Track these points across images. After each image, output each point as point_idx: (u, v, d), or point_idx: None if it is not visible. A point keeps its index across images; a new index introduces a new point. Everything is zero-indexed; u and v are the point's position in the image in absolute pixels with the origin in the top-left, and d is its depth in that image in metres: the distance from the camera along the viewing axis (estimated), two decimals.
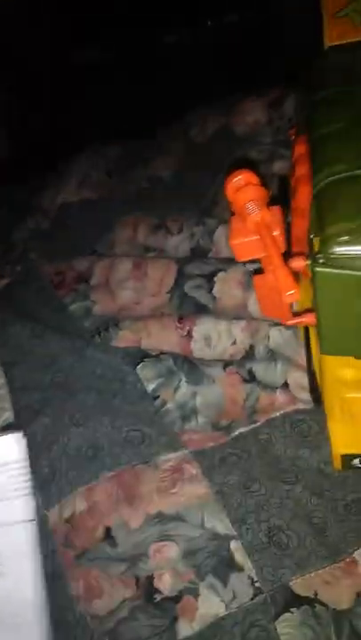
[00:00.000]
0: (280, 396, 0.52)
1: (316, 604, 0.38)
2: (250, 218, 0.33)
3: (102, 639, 0.41)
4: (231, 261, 0.61)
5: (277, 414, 0.50)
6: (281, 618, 0.38)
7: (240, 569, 0.40)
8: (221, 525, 0.43)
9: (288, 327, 0.52)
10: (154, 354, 0.58)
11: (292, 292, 0.30)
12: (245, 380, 0.54)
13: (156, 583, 0.41)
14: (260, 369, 0.54)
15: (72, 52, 1.14)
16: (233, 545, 0.42)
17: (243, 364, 0.55)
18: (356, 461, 0.44)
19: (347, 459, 0.44)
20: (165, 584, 0.41)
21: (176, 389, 0.54)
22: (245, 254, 0.34)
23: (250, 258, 0.34)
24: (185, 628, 0.40)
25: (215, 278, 0.63)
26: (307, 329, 0.47)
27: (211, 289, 0.63)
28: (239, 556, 0.41)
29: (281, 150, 0.73)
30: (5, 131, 1.11)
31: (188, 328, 0.59)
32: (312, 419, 0.49)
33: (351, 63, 0.43)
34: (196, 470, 0.46)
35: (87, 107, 1.10)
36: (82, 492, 0.46)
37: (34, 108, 1.11)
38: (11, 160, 1.04)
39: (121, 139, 0.91)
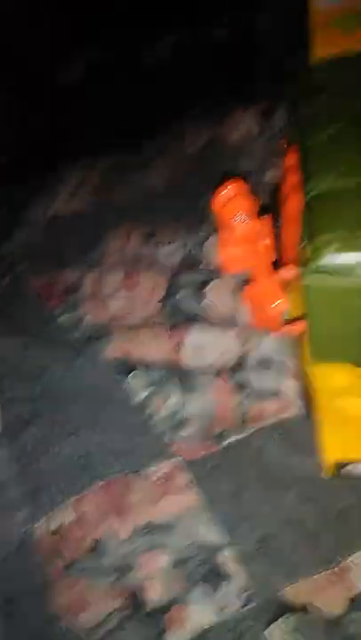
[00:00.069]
0: (271, 405, 0.52)
1: (308, 611, 0.38)
2: (239, 228, 0.33)
3: None
4: None
5: (269, 422, 0.50)
6: (273, 626, 0.38)
7: (231, 577, 0.40)
8: (212, 534, 0.43)
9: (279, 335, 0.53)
10: (145, 363, 0.58)
11: (279, 301, 0.30)
12: (236, 389, 0.54)
13: (146, 593, 0.41)
14: (251, 377, 0.54)
15: (72, 52, 1.14)
16: (224, 554, 0.41)
17: (233, 372, 0.55)
18: (347, 468, 0.44)
19: (338, 466, 0.44)
20: (155, 594, 0.40)
21: (167, 399, 0.54)
22: (234, 267, 0.35)
23: (238, 270, 0.35)
24: (175, 637, 0.39)
25: (207, 288, 0.64)
26: (299, 336, 0.48)
27: (202, 298, 0.64)
28: (230, 565, 0.41)
29: (272, 159, 0.74)
30: (5, 131, 1.11)
31: (179, 337, 0.59)
32: (303, 426, 0.49)
33: (339, 75, 0.44)
34: (187, 479, 0.46)
35: (87, 107, 1.10)
36: (72, 503, 0.46)
37: (34, 108, 1.11)
38: (11, 160, 1.04)
39: (121, 139, 0.92)
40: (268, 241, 0.33)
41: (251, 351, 0.57)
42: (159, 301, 0.65)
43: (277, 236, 0.45)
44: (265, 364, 0.55)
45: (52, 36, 1.09)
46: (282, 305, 0.30)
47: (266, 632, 0.38)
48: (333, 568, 0.40)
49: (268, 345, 0.56)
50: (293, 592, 0.39)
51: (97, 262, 0.73)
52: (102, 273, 0.70)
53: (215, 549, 0.42)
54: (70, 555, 0.44)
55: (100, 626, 0.41)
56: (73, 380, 0.58)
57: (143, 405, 0.54)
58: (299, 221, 0.37)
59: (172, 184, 0.82)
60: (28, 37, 1.08)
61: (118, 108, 1.07)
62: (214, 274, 0.64)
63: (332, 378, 0.39)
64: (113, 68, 1.18)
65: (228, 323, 0.61)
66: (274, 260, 0.35)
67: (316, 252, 0.33)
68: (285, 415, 0.50)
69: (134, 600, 0.41)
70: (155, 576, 0.41)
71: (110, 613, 0.41)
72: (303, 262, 0.34)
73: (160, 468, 0.48)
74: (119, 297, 0.67)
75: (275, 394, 0.53)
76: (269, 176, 0.70)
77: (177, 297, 0.65)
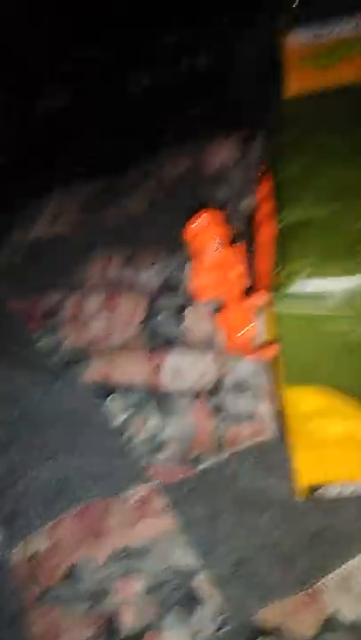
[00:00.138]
0: (247, 428, 0.53)
1: (281, 634, 0.38)
2: (212, 256, 0.35)
3: None
4: None
5: (244, 446, 0.51)
6: None
7: (206, 601, 0.40)
8: (187, 558, 0.43)
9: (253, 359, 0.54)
10: (124, 386, 0.58)
11: (248, 328, 0.31)
12: (213, 412, 0.54)
13: (120, 620, 0.40)
14: (227, 401, 0.55)
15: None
16: (199, 578, 0.41)
17: (211, 395, 0.56)
18: (320, 490, 0.45)
19: (312, 488, 0.45)
20: (129, 620, 0.40)
21: (145, 422, 0.55)
22: (206, 294, 0.36)
23: (211, 297, 0.36)
24: None
25: (185, 311, 0.65)
26: (273, 360, 0.49)
27: (181, 322, 0.65)
28: (205, 589, 0.41)
29: (250, 187, 0.76)
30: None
31: (158, 360, 0.60)
32: (278, 449, 0.50)
33: (311, 109, 0.46)
34: (164, 503, 0.46)
35: (71, 132, 1.12)
36: (47, 530, 0.46)
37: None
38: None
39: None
40: (239, 269, 0.35)
41: (227, 374, 0.58)
42: (138, 325, 0.66)
43: (252, 263, 0.46)
44: (241, 387, 0.56)
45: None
46: (250, 332, 0.31)
47: None
48: (307, 590, 0.40)
49: (244, 368, 0.57)
50: (267, 615, 0.39)
51: (78, 285, 0.74)
52: (83, 296, 0.71)
53: (190, 573, 0.42)
54: (45, 582, 0.44)
55: None
56: (51, 403, 0.58)
57: (122, 428, 0.55)
58: (272, 249, 0.38)
59: (153, 208, 0.84)
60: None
61: (102, 134, 1.10)
62: (193, 298, 0.65)
63: (303, 401, 0.40)
64: (97, 95, 1.20)
65: (206, 346, 0.61)
66: (246, 287, 0.36)
67: (287, 279, 0.35)
68: (261, 438, 0.51)
69: (109, 627, 0.41)
70: (130, 601, 0.41)
71: None
72: (274, 289, 0.35)
73: (137, 492, 0.48)
74: (99, 319, 0.67)
75: (250, 417, 0.54)
76: (246, 203, 0.72)
77: (156, 320, 0.66)
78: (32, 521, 0.47)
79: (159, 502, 0.47)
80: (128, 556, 0.43)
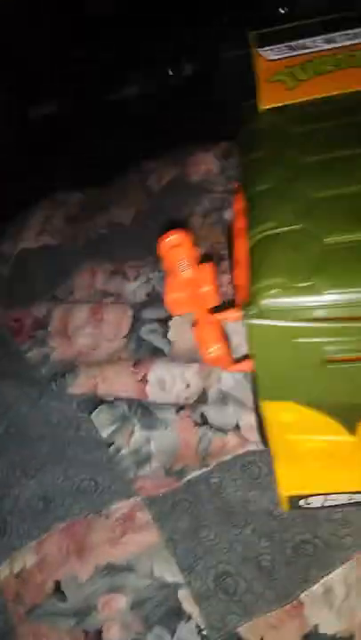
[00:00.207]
0: (231, 439, 0.53)
1: None
2: (181, 275, 0.35)
3: None
4: None
5: (229, 457, 0.51)
6: None
7: (188, 617, 0.41)
8: (170, 573, 0.43)
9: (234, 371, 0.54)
10: (109, 399, 0.58)
11: (215, 347, 0.32)
12: (198, 424, 0.55)
13: (105, 636, 0.41)
14: (212, 412, 0.55)
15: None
16: (181, 593, 0.42)
17: (195, 407, 0.56)
18: (302, 502, 0.45)
19: (294, 500, 0.45)
20: (114, 636, 0.40)
21: (131, 435, 0.55)
22: (178, 309, 0.36)
23: (182, 313, 0.36)
24: None
25: (170, 323, 0.65)
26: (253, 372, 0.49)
27: (166, 333, 0.65)
28: (187, 605, 0.41)
29: (232, 198, 0.76)
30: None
31: (143, 372, 0.60)
32: (262, 460, 0.50)
33: (283, 126, 0.46)
34: (147, 518, 0.47)
35: (60, 142, 1.12)
36: (33, 546, 0.46)
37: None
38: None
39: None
40: (208, 287, 0.35)
41: (212, 386, 0.58)
42: (124, 337, 0.66)
43: (232, 276, 0.46)
44: (225, 398, 0.56)
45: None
46: (217, 351, 0.32)
47: None
48: (288, 605, 0.40)
49: (229, 379, 0.58)
50: (249, 630, 0.40)
51: (65, 297, 0.75)
52: (69, 308, 0.71)
53: (173, 589, 0.42)
54: (32, 599, 0.44)
55: None
56: (38, 417, 0.58)
57: (108, 442, 0.55)
58: (246, 264, 0.39)
59: (137, 220, 0.84)
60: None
61: (90, 146, 1.10)
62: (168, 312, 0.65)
63: (282, 414, 0.40)
64: (84, 106, 1.21)
65: (191, 357, 0.62)
66: (216, 304, 0.36)
67: (257, 296, 0.35)
68: (245, 449, 0.51)
69: None
70: (114, 617, 0.41)
71: None
72: (247, 304, 0.35)
73: (122, 507, 0.48)
74: (85, 333, 0.67)
75: (234, 428, 0.54)
76: (229, 214, 0.73)
77: (141, 332, 0.66)
78: (19, 538, 0.48)
79: (143, 517, 0.47)
80: (112, 573, 0.43)
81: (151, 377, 0.60)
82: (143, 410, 0.57)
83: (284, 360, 0.36)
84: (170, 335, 0.64)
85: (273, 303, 0.35)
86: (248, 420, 0.54)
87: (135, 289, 0.73)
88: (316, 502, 0.44)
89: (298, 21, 0.52)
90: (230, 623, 0.40)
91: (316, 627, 0.39)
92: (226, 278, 0.66)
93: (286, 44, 0.50)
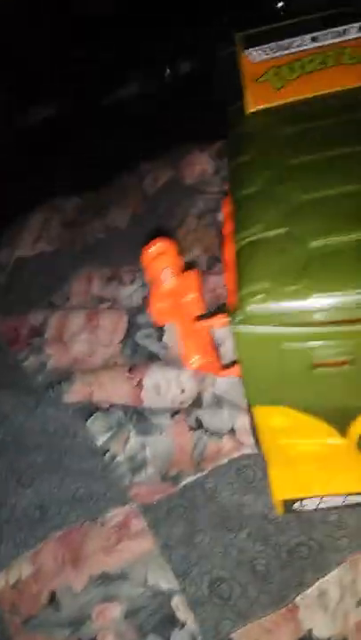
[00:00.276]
0: (227, 443, 0.53)
1: None
2: (164, 285, 0.35)
3: None
4: None
5: (224, 461, 0.51)
6: None
7: (182, 624, 0.40)
8: (165, 580, 0.43)
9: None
10: (104, 406, 0.58)
11: (194, 359, 0.32)
12: (193, 428, 0.55)
13: None
14: (206, 416, 0.55)
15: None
16: (175, 600, 0.42)
17: (190, 411, 0.56)
18: (296, 505, 0.45)
19: (288, 503, 0.45)
20: None
21: (126, 442, 0.55)
22: (163, 319, 0.36)
23: (166, 322, 0.36)
24: None
25: (165, 327, 0.65)
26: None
27: (161, 337, 0.65)
28: (181, 612, 0.41)
29: (225, 199, 0.76)
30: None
31: (138, 378, 0.60)
32: (256, 464, 0.50)
33: (270, 127, 0.46)
34: (143, 525, 0.47)
35: (55, 146, 1.13)
36: (28, 556, 0.46)
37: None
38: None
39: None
40: (192, 295, 0.35)
41: (206, 390, 0.58)
42: (119, 342, 0.66)
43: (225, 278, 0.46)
44: (220, 402, 0.56)
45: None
46: (198, 362, 0.31)
47: None
48: (282, 609, 0.40)
49: (223, 382, 0.58)
50: (243, 635, 0.39)
51: (61, 303, 0.75)
52: (65, 315, 0.71)
53: (167, 596, 0.42)
54: (27, 610, 0.44)
55: None
56: (33, 427, 0.58)
57: (103, 449, 0.55)
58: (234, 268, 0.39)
59: (133, 224, 0.84)
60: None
61: (89, 147, 1.10)
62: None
63: (271, 418, 0.40)
64: (83, 107, 1.21)
65: None
66: (201, 312, 0.36)
67: (243, 302, 0.35)
68: (239, 453, 0.51)
69: None
70: (109, 627, 0.41)
71: None
72: (233, 310, 0.35)
73: (117, 514, 0.48)
74: (81, 339, 0.68)
75: (230, 432, 0.54)
76: (222, 216, 0.72)
77: (137, 337, 0.66)
78: (15, 547, 0.48)
79: (138, 524, 0.47)
80: (106, 582, 0.43)
81: (146, 382, 0.60)
82: (138, 416, 0.57)
83: (271, 365, 0.36)
84: (165, 339, 0.64)
85: (259, 309, 0.35)
86: (243, 422, 0.54)
87: (131, 293, 0.73)
88: (310, 505, 0.44)
89: (288, 19, 0.52)
90: (224, 629, 0.40)
91: (310, 630, 0.39)
92: (221, 280, 0.66)
93: (273, 44, 0.50)
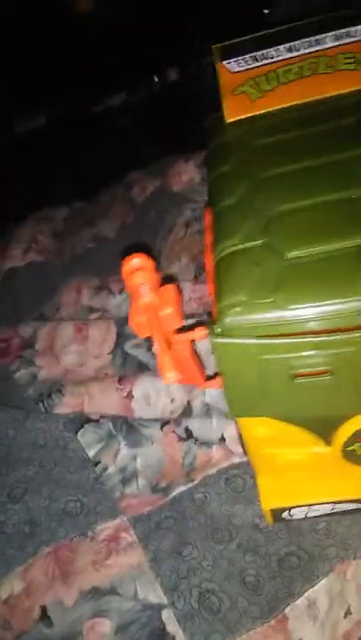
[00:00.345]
0: (217, 452, 0.53)
1: None
2: (141, 300, 0.35)
3: None
4: None
5: (214, 471, 0.51)
6: None
7: (172, 638, 0.40)
8: (154, 594, 0.43)
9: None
10: (95, 418, 0.58)
11: (170, 375, 0.32)
12: (182, 439, 0.55)
13: None
14: (196, 425, 0.55)
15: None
16: (165, 614, 0.42)
17: (180, 421, 0.56)
18: (285, 514, 0.45)
19: (276, 513, 0.45)
20: None
21: (116, 453, 0.55)
22: (142, 332, 0.36)
23: (146, 336, 0.36)
24: None
25: None
26: None
27: (150, 347, 0.65)
28: (171, 626, 0.41)
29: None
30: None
31: (128, 388, 0.60)
32: (246, 473, 0.50)
33: (248, 138, 0.46)
34: (132, 538, 0.47)
35: (45, 156, 1.13)
36: (19, 572, 0.46)
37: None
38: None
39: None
40: (170, 310, 0.35)
41: (196, 398, 0.58)
42: (109, 353, 0.66)
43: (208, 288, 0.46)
44: (209, 411, 0.56)
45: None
46: (172, 378, 0.31)
47: None
48: (272, 620, 0.40)
49: (212, 392, 0.58)
50: None
51: (52, 315, 0.75)
52: (55, 326, 0.71)
53: (157, 610, 0.42)
54: (19, 626, 0.44)
55: None
56: (24, 441, 0.58)
57: (94, 461, 0.55)
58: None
59: (122, 233, 0.84)
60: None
61: (76, 159, 1.11)
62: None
63: (256, 429, 0.40)
64: (69, 120, 1.22)
65: None
66: (178, 326, 0.36)
67: (221, 314, 0.35)
68: (229, 463, 0.51)
69: None
70: None
71: None
72: (210, 324, 0.35)
73: (107, 527, 0.48)
74: (71, 351, 0.68)
75: (220, 441, 0.54)
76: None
77: (126, 347, 0.66)
78: (6, 564, 0.48)
79: (128, 537, 0.47)
80: (96, 597, 0.43)
81: (136, 392, 0.60)
82: (128, 427, 0.57)
83: (251, 377, 0.36)
84: (155, 349, 0.64)
85: (237, 321, 0.35)
86: (233, 431, 0.54)
87: (120, 303, 0.73)
88: (299, 514, 0.44)
89: (272, 27, 0.52)
90: None
91: None
92: (206, 289, 0.66)
93: (249, 55, 0.50)
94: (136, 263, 0.36)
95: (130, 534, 0.47)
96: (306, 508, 0.44)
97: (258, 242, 0.37)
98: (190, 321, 0.64)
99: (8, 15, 1.06)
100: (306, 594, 0.41)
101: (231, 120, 0.48)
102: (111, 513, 0.49)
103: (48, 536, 0.48)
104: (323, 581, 0.41)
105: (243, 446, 0.50)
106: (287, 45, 0.50)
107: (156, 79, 1.36)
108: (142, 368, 0.63)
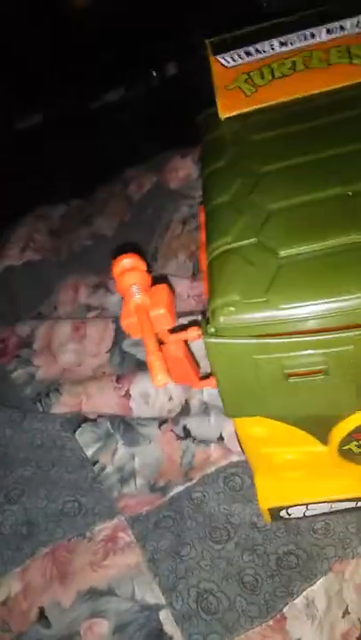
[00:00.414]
0: (215, 451, 0.53)
1: None
2: (132, 301, 0.35)
3: None
4: None
5: (212, 469, 0.51)
6: None
7: (169, 639, 0.40)
8: (152, 595, 0.43)
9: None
10: (92, 417, 0.58)
11: (159, 377, 0.31)
12: (180, 437, 0.54)
13: None
14: (194, 424, 0.55)
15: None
16: (163, 614, 0.41)
17: (178, 420, 0.56)
18: (283, 513, 0.44)
19: (274, 511, 0.44)
20: None
21: (114, 452, 0.55)
22: (134, 333, 0.36)
23: (137, 336, 0.36)
24: None
25: None
26: None
27: None
28: (169, 626, 0.41)
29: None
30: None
31: (126, 387, 0.60)
32: (244, 471, 0.50)
33: (242, 134, 0.45)
34: (130, 538, 0.46)
35: (43, 153, 1.13)
36: (17, 573, 0.46)
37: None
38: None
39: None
40: (161, 311, 0.34)
41: (194, 396, 0.58)
42: (107, 352, 0.66)
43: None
44: (207, 409, 0.56)
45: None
46: (163, 380, 0.31)
47: None
48: (270, 620, 0.40)
49: (210, 391, 0.57)
50: None
51: (49, 313, 0.75)
52: (53, 325, 0.71)
53: (154, 611, 0.42)
54: (17, 627, 0.44)
55: None
56: (21, 441, 0.58)
57: (93, 460, 0.55)
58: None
59: (119, 231, 0.84)
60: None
61: (75, 157, 1.10)
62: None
63: (251, 428, 0.39)
64: (68, 118, 1.21)
65: None
66: (170, 327, 0.36)
67: (214, 314, 0.34)
68: (227, 461, 0.51)
69: None
70: None
71: None
72: (203, 324, 0.35)
73: (105, 528, 0.48)
74: (68, 350, 0.67)
75: (218, 439, 0.54)
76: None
77: (124, 345, 0.66)
78: (3, 565, 0.48)
79: (126, 537, 0.47)
80: (93, 597, 0.43)
81: (134, 391, 0.60)
82: (126, 426, 0.57)
83: (245, 377, 0.35)
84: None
85: (230, 321, 0.34)
86: (231, 429, 0.54)
87: (118, 301, 0.72)
88: (297, 513, 0.44)
89: (269, 19, 0.52)
90: None
91: None
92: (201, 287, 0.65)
93: (243, 49, 0.49)
94: (127, 263, 0.35)
95: (128, 534, 0.47)
96: (303, 506, 0.44)
97: (251, 240, 0.37)
98: (189, 318, 0.63)
99: (8, 15, 1.05)
100: (304, 593, 0.41)
101: (225, 116, 0.47)
102: (109, 513, 0.49)
103: (46, 537, 0.48)
104: (321, 580, 0.41)
105: (241, 445, 0.50)
106: (281, 39, 0.49)
107: (155, 74, 1.36)
108: (140, 366, 0.63)
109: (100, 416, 0.58)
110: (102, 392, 0.61)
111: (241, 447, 0.50)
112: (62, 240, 0.88)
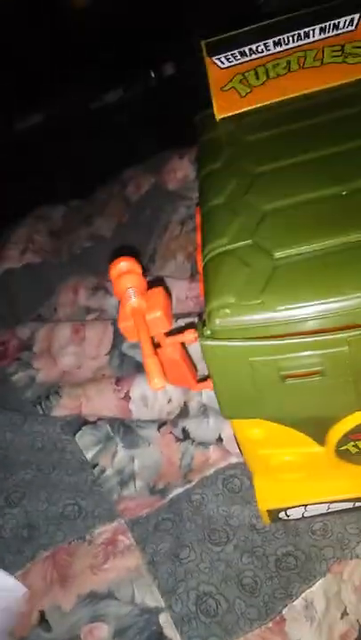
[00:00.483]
0: (214, 452, 0.53)
1: None
2: (128, 304, 0.35)
3: None
4: None
5: (211, 471, 0.51)
6: None
7: None
8: (151, 598, 0.43)
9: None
10: (92, 420, 0.58)
11: (156, 380, 0.31)
12: (180, 440, 0.54)
13: None
14: (193, 426, 0.55)
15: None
16: (162, 618, 0.41)
17: (177, 422, 0.56)
18: (282, 514, 0.44)
19: (273, 513, 0.44)
20: None
21: (114, 455, 0.55)
22: (131, 336, 0.36)
23: (134, 340, 0.36)
24: None
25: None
26: None
27: None
28: (168, 629, 0.41)
29: None
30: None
31: (125, 389, 0.60)
32: (243, 473, 0.49)
33: (238, 134, 0.45)
34: (130, 541, 0.46)
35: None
36: (18, 577, 0.46)
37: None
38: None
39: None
40: (157, 314, 0.34)
41: (193, 398, 0.58)
42: (106, 354, 0.66)
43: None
44: (206, 411, 0.56)
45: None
46: (159, 384, 0.31)
47: None
48: (269, 622, 0.40)
49: (208, 393, 0.57)
50: None
51: (49, 316, 0.75)
52: (53, 328, 0.71)
53: (154, 614, 0.42)
54: (19, 631, 0.44)
55: None
56: (22, 444, 0.58)
57: (93, 463, 0.55)
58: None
59: (118, 232, 0.84)
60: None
61: (74, 157, 1.10)
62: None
63: (249, 430, 0.39)
64: (67, 118, 1.21)
65: None
66: (166, 329, 0.36)
67: (210, 317, 0.34)
68: (226, 463, 0.51)
69: None
70: None
71: None
72: (199, 327, 0.35)
73: (105, 531, 0.48)
74: (68, 352, 0.67)
75: (217, 441, 0.53)
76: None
77: (123, 347, 0.66)
78: (5, 569, 0.48)
79: (126, 540, 0.47)
80: (94, 601, 0.43)
81: (134, 394, 0.60)
82: (125, 429, 0.57)
83: (242, 379, 0.35)
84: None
85: (226, 323, 0.34)
86: (230, 431, 0.54)
87: (117, 303, 0.72)
88: (295, 514, 0.44)
89: (265, 19, 0.51)
90: None
91: None
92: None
93: (237, 50, 0.49)
94: (123, 267, 0.35)
95: (127, 537, 0.47)
96: (302, 507, 0.43)
97: (246, 242, 0.37)
98: (187, 320, 0.63)
99: (8, 15, 1.05)
100: (303, 594, 0.41)
101: (221, 117, 0.47)
102: (109, 516, 0.49)
103: (46, 540, 0.48)
104: (320, 582, 0.41)
105: (239, 447, 0.50)
106: (275, 39, 0.49)
107: (153, 74, 1.35)
108: (140, 369, 0.63)
109: (99, 419, 0.58)
110: (102, 394, 0.61)
111: (239, 449, 0.50)
112: (62, 241, 0.88)
